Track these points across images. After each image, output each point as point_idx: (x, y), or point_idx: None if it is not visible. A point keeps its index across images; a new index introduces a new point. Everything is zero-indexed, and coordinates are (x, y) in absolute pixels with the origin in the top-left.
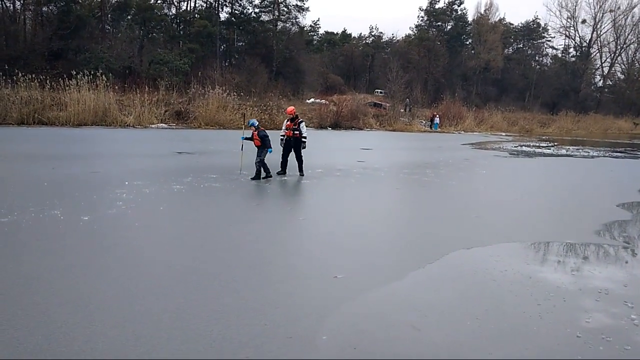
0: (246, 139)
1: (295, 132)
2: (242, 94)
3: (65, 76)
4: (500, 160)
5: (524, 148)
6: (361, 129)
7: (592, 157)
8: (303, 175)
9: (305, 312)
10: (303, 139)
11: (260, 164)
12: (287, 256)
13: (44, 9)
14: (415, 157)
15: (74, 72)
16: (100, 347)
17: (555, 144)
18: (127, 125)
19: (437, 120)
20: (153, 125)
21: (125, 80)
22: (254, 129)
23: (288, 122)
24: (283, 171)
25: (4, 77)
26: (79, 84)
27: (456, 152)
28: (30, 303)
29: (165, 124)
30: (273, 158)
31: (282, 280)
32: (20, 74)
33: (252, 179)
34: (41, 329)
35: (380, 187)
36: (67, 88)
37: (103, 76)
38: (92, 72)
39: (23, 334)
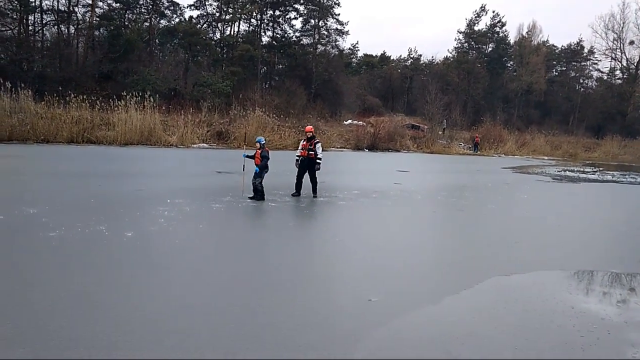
0: (247, 156)
1: (310, 152)
2: (281, 115)
3: (114, 97)
4: (542, 185)
5: (568, 173)
6: (398, 151)
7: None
8: (316, 197)
9: (339, 335)
10: (318, 160)
11: (261, 184)
12: (322, 278)
13: (95, 33)
14: (453, 180)
15: (123, 94)
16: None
17: (601, 169)
18: (171, 145)
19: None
20: (195, 145)
21: (170, 102)
22: (259, 145)
23: (304, 142)
24: (297, 193)
25: (57, 98)
26: (127, 104)
27: (496, 175)
28: (75, 316)
29: (207, 144)
30: (283, 179)
31: (317, 301)
32: (72, 95)
33: (251, 198)
34: (84, 341)
35: (417, 210)
36: (115, 109)
37: (150, 98)
38: (139, 94)
39: (68, 345)
